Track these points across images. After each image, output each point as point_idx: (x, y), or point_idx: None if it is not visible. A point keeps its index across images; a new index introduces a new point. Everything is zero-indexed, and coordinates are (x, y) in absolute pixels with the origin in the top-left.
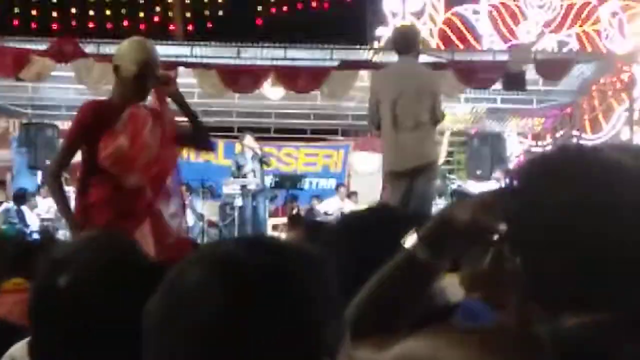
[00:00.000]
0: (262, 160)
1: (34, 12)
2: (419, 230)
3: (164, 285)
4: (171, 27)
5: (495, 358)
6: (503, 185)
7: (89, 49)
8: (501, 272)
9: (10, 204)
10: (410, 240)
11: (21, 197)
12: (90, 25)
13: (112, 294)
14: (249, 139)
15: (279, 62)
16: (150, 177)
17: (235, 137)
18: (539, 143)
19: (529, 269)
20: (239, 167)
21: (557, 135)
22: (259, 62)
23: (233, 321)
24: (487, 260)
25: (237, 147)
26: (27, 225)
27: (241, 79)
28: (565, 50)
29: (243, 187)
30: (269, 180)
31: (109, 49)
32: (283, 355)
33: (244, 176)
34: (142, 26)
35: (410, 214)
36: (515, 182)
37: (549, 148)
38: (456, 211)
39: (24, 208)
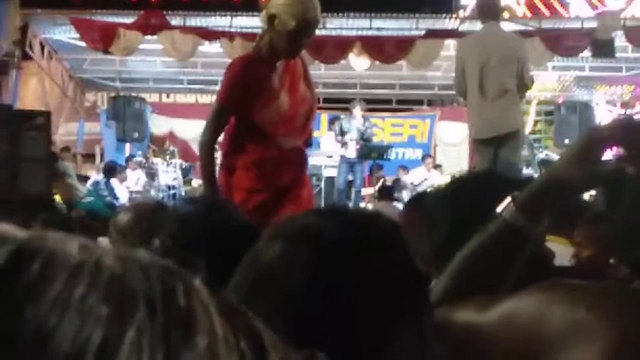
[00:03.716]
0: (364, 137)
1: None
2: (515, 196)
3: (246, 261)
4: None
5: (602, 315)
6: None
7: (175, 21)
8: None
9: (100, 177)
10: (505, 207)
11: (110, 170)
12: None
13: (204, 258)
14: (358, 110)
15: (365, 32)
16: (302, 135)
17: (321, 108)
18: (628, 111)
19: (622, 228)
20: (342, 132)
21: None
22: (344, 33)
23: (314, 293)
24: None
25: (323, 119)
26: (116, 198)
27: (327, 49)
28: None
29: (342, 156)
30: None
31: (194, 21)
32: (365, 322)
33: (344, 143)
34: None
35: (518, 178)
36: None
37: (638, 116)
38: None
39: (113, 181)
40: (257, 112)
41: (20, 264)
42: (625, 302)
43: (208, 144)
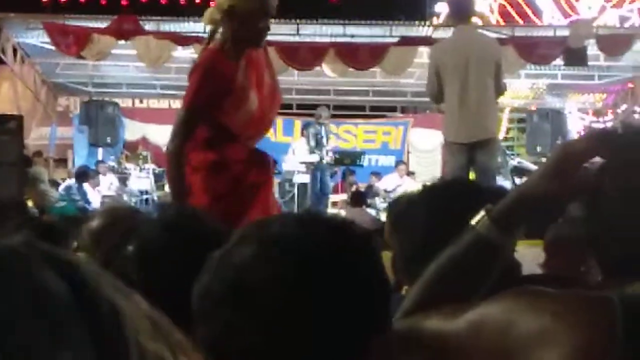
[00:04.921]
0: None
1: None
2: (490, 209)
3: (214, 262)
4: None
5: (567, 321)
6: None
7: (149, 26)
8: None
9: (72, 182)
10: (480, 219)
11: (83, 175)
12: (163, 1)
13: (176, 262)
14: (325, 117)
15: (338, 39)
16: (265, 131)
17: (294, 114)
18: (600, 119)
19: (600, 231)
20: (318, 142)
21: (619, 111)
22: (318, 39)
23: (294, 297)
24: (562, 228)
25: (296, 125)
26: (88, 202)
27: (300, 55)
28: (626, 25)
29: (320, 160)
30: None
31: (168, 26)
32: (341, 327)
33: (320, 151)
34: (212, 3)
35: (491, 188)
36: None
37: (610, 124)
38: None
39: (85, 185)
40: (226, 114)
41: None
42: (591, 310)
43: (177, 152)
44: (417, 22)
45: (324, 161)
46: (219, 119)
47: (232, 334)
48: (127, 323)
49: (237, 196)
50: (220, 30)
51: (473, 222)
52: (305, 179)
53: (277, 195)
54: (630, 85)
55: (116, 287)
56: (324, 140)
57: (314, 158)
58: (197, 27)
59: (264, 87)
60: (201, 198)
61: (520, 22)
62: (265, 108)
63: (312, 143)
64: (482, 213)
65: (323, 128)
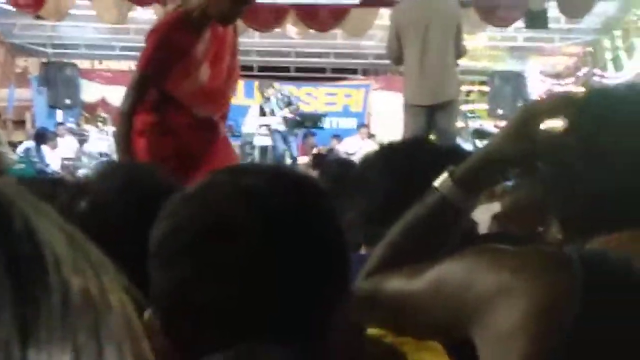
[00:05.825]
0: (290, 108)
1: None
2: (453, 171)
3: (176, 210)
4: None
5: (524, 278)
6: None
7: None
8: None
9: (31, 144)
10: (442, 181)
11: (41, 137)
12: None
13: (130, 218)
14: (270, 91)
15: (299, 0)
16: (221, 107)
17: (255, 77)
18: (561, 82)
19: (566, 193)
20: (264, 114)
21: (579, 74)
22: (279, 0)
23: (263, 253)
24: (524, 188)
25: (255, 89)
26: (47, 165)
27: (261, 16)
28: None
29: (269, 126)
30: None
31: None
32: (309, 284)
33: (271, 115)
34: None
35: (449, 146)
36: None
37: (570, 87)
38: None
39: (44, 147)
40: (173, 82)
41: None
42: (550, 265)
43: (128, 112)
44: None
45: (277, 127)
46: (166, 86)
47: (188, 288)
48: (47, 251)
49: (182, 160)
50: None
51: (436, 184)
52: (267, 141)
53: None
54: (590, 48)
55: (30, 203)
56: (274, 107)
57: (272, 120)
58: None
59: (222, 63)
60: (144, 160)
61: None
62: (218, 83)
63: (261, 114)
64: (444, 175)
65: (272, 101)
